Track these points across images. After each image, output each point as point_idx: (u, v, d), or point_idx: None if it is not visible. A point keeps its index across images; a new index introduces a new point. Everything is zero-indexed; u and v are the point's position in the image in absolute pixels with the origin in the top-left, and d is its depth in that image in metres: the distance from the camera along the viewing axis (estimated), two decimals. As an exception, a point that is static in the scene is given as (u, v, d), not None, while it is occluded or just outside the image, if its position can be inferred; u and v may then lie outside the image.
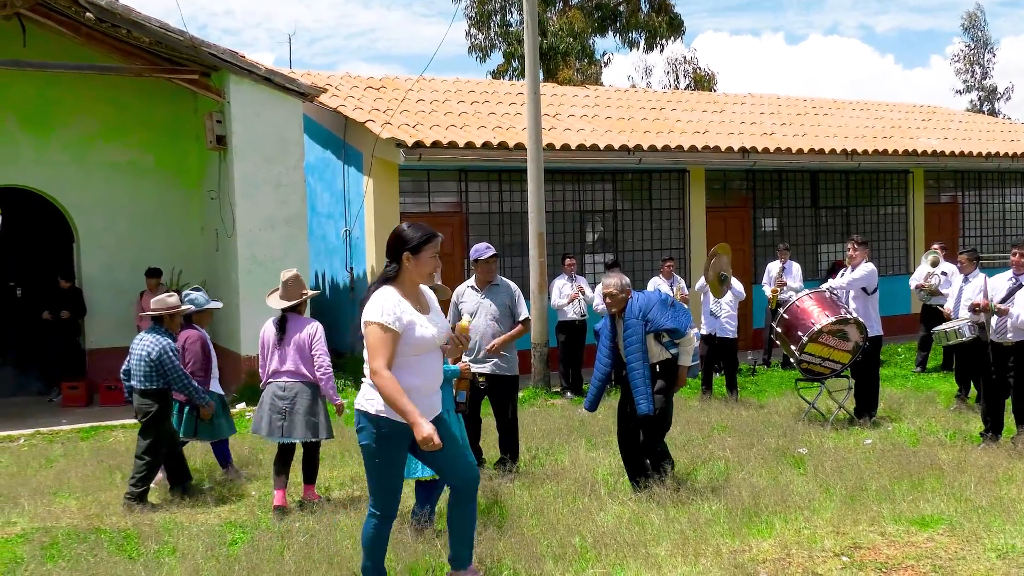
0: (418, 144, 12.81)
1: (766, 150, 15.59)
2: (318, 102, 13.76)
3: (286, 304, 7.34)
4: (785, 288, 14.13)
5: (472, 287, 8.06)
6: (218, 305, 8.86)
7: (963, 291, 10.94)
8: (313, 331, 7.27)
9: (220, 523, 6.88)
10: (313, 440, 7.28)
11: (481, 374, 7.84)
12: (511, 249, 14.50)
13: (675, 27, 26.63)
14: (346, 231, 14.42)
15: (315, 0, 74.14)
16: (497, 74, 27.25)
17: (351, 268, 14.38)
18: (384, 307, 4.81)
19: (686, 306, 13.23)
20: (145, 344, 7.59)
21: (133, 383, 7.67)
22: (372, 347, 4.78)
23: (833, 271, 15.98)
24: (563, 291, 12.74)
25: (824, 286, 10.37)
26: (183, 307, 7.94)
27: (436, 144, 12.98)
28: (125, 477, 8.29)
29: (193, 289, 8.83)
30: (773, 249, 15.24)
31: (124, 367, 7.82)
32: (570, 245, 14.91)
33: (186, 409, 8.04)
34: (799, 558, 5.50)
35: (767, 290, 14.24)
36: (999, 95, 31.37)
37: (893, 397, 11.14)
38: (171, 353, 7.51)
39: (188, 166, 13.83)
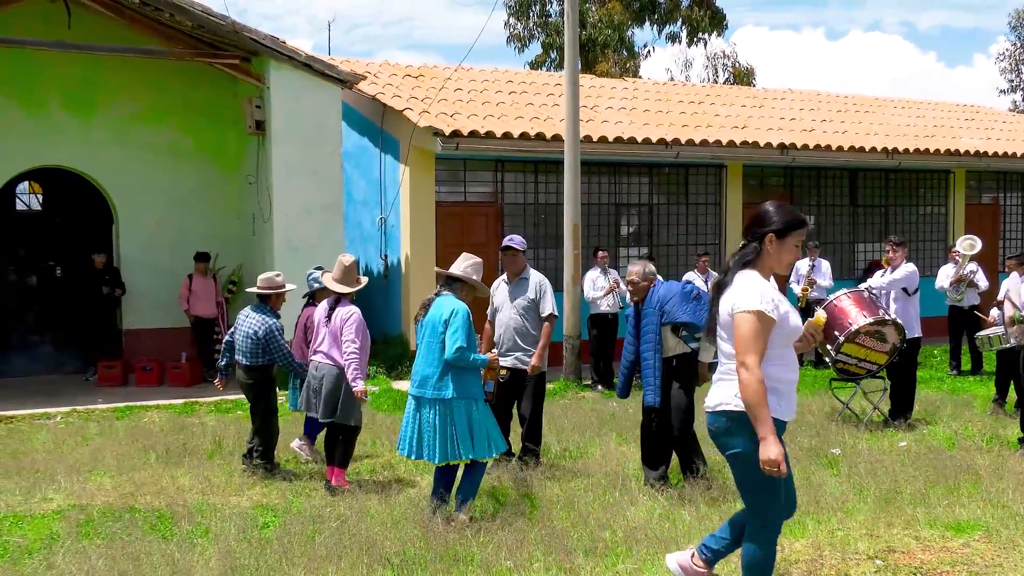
0: (455, 133, 12.80)
1: (805, 147, 15.43)
2: (356, 89, 13.78)
3: (342, 289, 7.44)
4: (815, 286, 14.04)
5: (504, 280, 8.06)
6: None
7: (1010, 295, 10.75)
8: (347, 315, 7.32)
9: (252, 506, 6.94)
10: (336, 422, 7.35)
11: (503, 367, 7.85)
12: (545, 240, 14.48)
13: (717, 21, 26.39)
14: (381, 219, 14.45)
15: (354, -13, 74.30)
16: (535, 65, 27.15)
17: (385, 256, 14.42)
18: (763, 293, 4.30)
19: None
20: (252, 322, 7.88)
21: (238, 358, 7.93)
22: (746, 339, 4.25)
23: (870, 271, 15.87)
24: (596, 284, 12.69)
25: (863, 286, 10.23)
26: (289, 286, 8.23)
27: (473, 134, 12.97)
28: (159, 457, 8.42)
29: (316, 268, 9.13)
30: (806, 246, 15.07)
31: (226, 339, 8.14)
32: (604, 238, 14.87)
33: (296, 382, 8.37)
34: (832, 560, 5.44)
35: (796, 288, 14.12)
36: (1044, 95, 30.86)
37: (928, 400, 11.01)
38: (276, 332, 7.82)
39: (227, 150, 13.92)
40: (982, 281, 13.33)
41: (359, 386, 7.23)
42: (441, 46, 77.08)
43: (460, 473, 6.44)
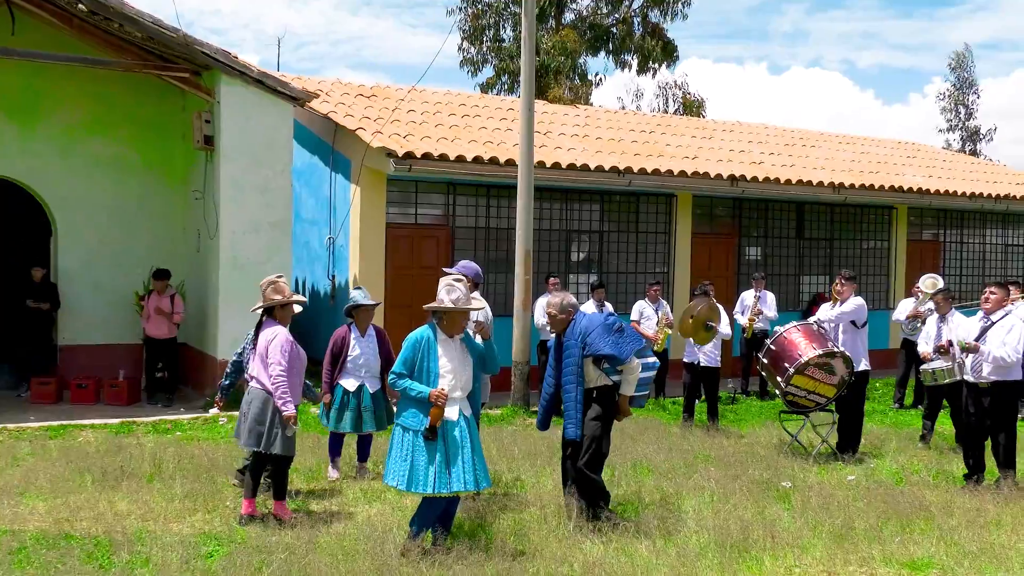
0: (408, 155, 12.69)
1: (755, 179, 15.59)
2: (308, 107, 13.60)
3: (256, 307, 7.29)
4: (760, 317, 14.17)
5: None
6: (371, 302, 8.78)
7: (941, 331, 10.95)
8: (271, 337, 7.07)
9: (194, 534, 6.69)
10: (259, 451, 7.05)
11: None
12: (496, 265, 14.39)
13: (668, 52, 26.68)
14: (330, 239, 14.25)
15: (304, 5, 73.92)
16: (486, 88, 27.19)
17: (333, 276, 14.21)
18: None
19: (669, 331, 13.37)
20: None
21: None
22: None
23: (815, 303, 16.09)
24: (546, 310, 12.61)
25: (812, 319, 10.33)
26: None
27: (427, 156, 12.86)
28: (95, 480, 8.11)
29: (355, 289, 9.12)
30: (752, 278, 15.17)
31: (233, 358, 7.99)
32: (555, 264, 14.84)
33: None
34: (790, 597, 5.41)
35: (742, 319, 14.23)
36: (981, 136, 31.69)
37: (874, 433, 11.12)
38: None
39: (173, 165, 13.62)
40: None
41: (288, 410, 6.94)
42: (390, 66, 77.04)
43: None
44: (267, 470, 7.30)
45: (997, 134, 32.68)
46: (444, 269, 7.82)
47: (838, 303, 10.22)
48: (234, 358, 8.03)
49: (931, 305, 13.34)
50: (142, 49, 12.28)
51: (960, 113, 31.82)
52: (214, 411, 11.65)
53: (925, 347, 11.03)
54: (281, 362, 6.93)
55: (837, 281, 10.21)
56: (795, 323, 10.19)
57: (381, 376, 8.55)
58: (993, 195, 18.30)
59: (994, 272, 19.38)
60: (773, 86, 66.92)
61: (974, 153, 30.09)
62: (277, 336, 7.04)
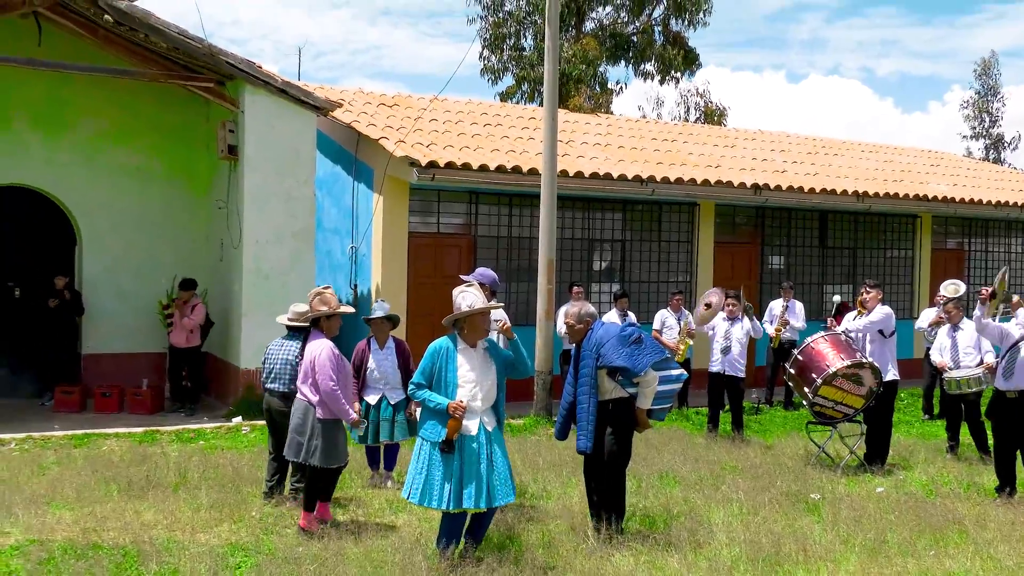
0: (432, 164, 12.68)
1: (778, 187, 15.50)
2: (331, 116, 13.62)
3: (305, 318, 7.43)
4: (788, 327, 14.06)
5: None
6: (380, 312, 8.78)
7: (957, 340, 10.81)
8: (317, 350, 7.10)
9: (221, 544, 6.67)
10: (302, 463, 7.11)
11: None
12: (518, 275, 14.36)
13: (690, 61, 26.65)
14: (352, 248, 14.25)
15: (323, 15, 74.26)
16: (506, 96, 27.20)
17: (355, 285, 14.20)
18: None
19: (691, 341, 13.29)
20: (290, 349, 7.82)
21: (276, 386, 7.82)
22: None
23: (839, 312, 15.95)
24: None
25: (840, 329, 10.22)
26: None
27: (450, 165, 12.85)
28: (121, 490, 8.11)
29: (377, 301, 9.18)
30: (780, 287, 15.10)
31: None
32: (577, 273, 14.79)
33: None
34: (824, 612, 5.33)
35: (770, 328, 14.11)
36: (1006, 144, 31.43)
37: (902, 444, 10.99)
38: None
39: (197, 174, 13.67)
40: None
41: (351, 416, 7.11)
42: (408, 76, 77.25)
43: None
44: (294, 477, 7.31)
45: (1021, 142, 32.35)
46: (461, 276, 7.81)
47: (864, 313, 10.11)
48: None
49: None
50: (166, 59, 12.33)
51: (984, 121, 31.57)
52: (237, 420, 11.69)
53: (940, 358, 10.91)
54: (332, 375, 6.97)
55: (863, 290, 10.11)
56: (823, 333, 10.09)
57: (405, 387, 8.49)
58: (1019, 203, 18.12)
59: (1019, 281, 19.20)
60: (791, 94, 66.64)
61: (998, 161, 29.89)
62: (324, 350, 7.05)
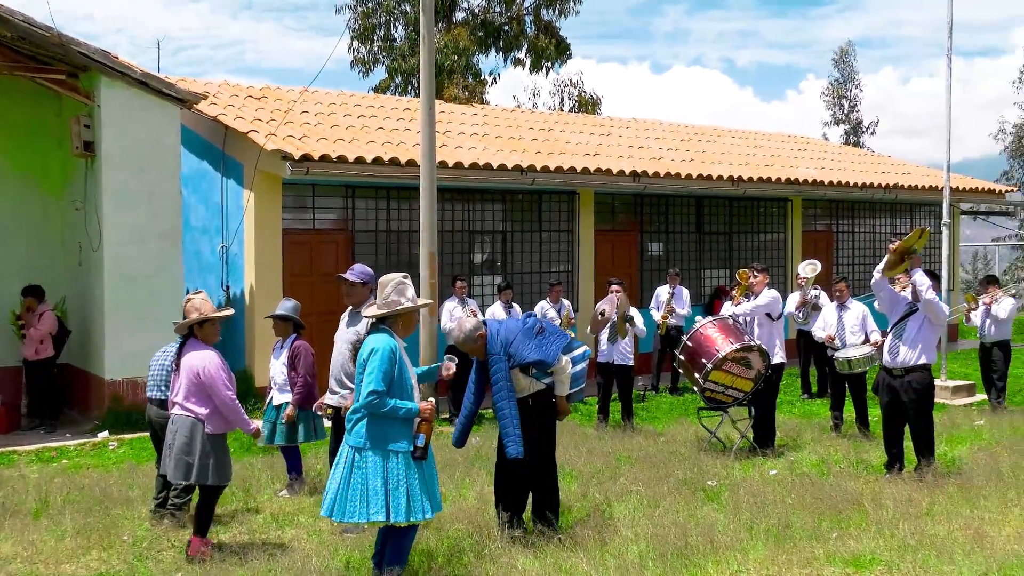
0: (306, 157, 12.14)
1: (656, 174, 15.54)
2: (195, 110, 12.90)
3: (181, 325, 6.76)
4: (674, 314, 14.11)
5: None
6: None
7: (843, 319, 11.07)
8: (203, 362, 6.53)
9: (89, 574, 6.10)
10: (190, 483, 6.60)
11: (329, 405, 7.46)
12: (398, 269, 13.79)
13: (562, 50, 26.62)
14: (223, 247, 13.57)
15: (181, 8, 71.75)
16: (379, 89, 26.63)
17: (227, 287, 13.53)
18: None
19: (572, 333, 13.15)
20: (168, 354, 7.47)
21: (155, 393, 7.52)
22: None
23: (716, 296, 16.14)
24: (454, 315, 12.29)
25: (727, 312, 10.24)
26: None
27: (325, 158, 12.34)
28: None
29: (286, 299, 8.82)
30: (660, 273, 15.19)
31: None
32: (459, 266, 14.49)
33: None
34: (738, 605, 5.18)
35: (656, 315, 14.14)
36: (864, 128, 32.63)
37: (787, 425, 11.10)
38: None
39: (49, 173, 12.73)
40: (826, 303, 13.69)
41: (252, 427, 6.71)
42: (274, 71, 75.58)
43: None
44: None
45: (879, 127, 33.77)
46: (339, 276, 7.49)
47: (750, 297, 10.13)
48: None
49: (815, 292, 13.59)
50: (12, 50, 11.41)
51: (844, 107, 32.70)
52: (104, 435, 10.93)
53: (822, 333, 11.16)
54: (228, 384, 6.51)
55: (751, 273, 10.13)
56: (711, 318, 10.08)
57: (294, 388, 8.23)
58: (883, 185, 18.72)
59: (878, 261, 19.83)
60: (656, 85, 67.97)
61: (858, 145, 30.98)
62: (212, 360, 6.52)
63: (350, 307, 7.42)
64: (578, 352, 7.01)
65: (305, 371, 8.21)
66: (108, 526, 7.09)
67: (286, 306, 8.61)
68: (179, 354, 6.66)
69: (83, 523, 7.10)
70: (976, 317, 12.44)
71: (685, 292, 14.49)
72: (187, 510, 7.16)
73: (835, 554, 5.92)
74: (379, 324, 5.80)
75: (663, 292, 14.24)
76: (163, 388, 7.40)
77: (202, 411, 6.48)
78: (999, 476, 7.90)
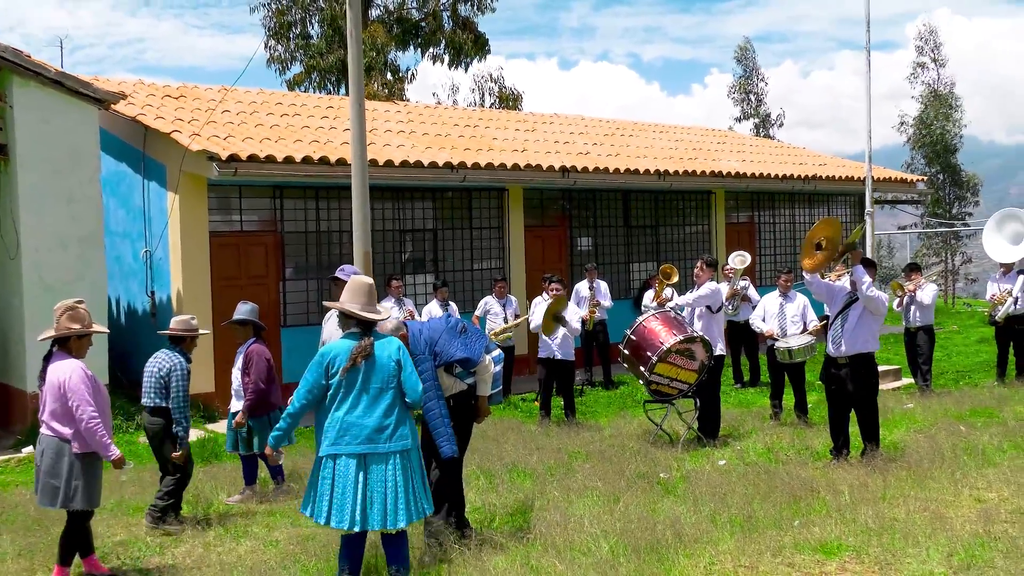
0: (233, 158, 11.81)
1: (585, 169, 15.57)
2: (113, 110, 12.45)
3: (45, 336, 6.25)
4: (600, 307, 14.19)
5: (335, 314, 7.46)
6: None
7: (785, 309, 11.28)
8: (65, 374, 6.02)
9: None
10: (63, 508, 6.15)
11: None
12: (329, 270, 13.62)
13: (480, 46, 26.49)
14: (146, 251, 13.11)
15: (77, 6, 69.48)
16: (293, 85, 26.12)
17: (152, 292, 13.07)
18: None
19: (510, 335, 13.11)
20: (159, 360, 7.42)
21: (143, 400, 7.45)
22: None
23: (644, 289, 16.27)
24: (392, 314, 12.09)
25: (669, 305, 10.30)
26: (202, 331, 7.72)
27: (253, 158, 12.02)
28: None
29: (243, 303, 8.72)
30: (584, 268, 15.13)
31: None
32: (390, 266, 14.29)
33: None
34: (717, 598, 5.17)
35: (581, 312, 14.15)
36: (772, 121, 33.26)
37: (727, 415, 11.18)
38: (180, 372, 7.34)
39: (-42, 178, 12.12)
40: (754, 295, 13.94)
41: (114, 454, 6.07)
42: (176, 70, 74.04)
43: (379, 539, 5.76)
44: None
45: (786, 118, 34.37)
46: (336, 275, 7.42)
47: (696, 287, 10.21)
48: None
49: (744, 283, 13.82)
50: (-85, 49, 10.82)
51: (751, 102, 33.27)
52: (28, 450, 10.46)
53: (763, 324, 11.33)
54: (90, 401, 5.96)
55: (697, 266, 10.21)
56: (653, 312, 10.12)
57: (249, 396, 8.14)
58: (802, 176, 19.10)
59: (796, 252, 20.24)
60: (564, 80, 68.44)
61: (768, 137, 31.57)
62: (74, 372, 6.00)
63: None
64: (495, 353, 6.96)
65: (257, 376, 8.02)
66: (50, 544, 6.70)
67: (243, 310, 8.48)
68: (44, 367, 6.19)
69: (24, 544, 6.73)
70: (902, 303, 12.78)
71: (604, 285, 14.60)
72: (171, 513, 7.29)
73: (802, 542, 5.97)
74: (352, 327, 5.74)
75: (583, 287, 14.29)
76: (152, 395, 7.35)
77: (66, 431, 6.00)
78: (943, 458, 8.10)
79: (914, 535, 5.93)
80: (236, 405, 8.17)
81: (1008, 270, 12.92)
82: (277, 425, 5.80)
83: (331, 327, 7.60)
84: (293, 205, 13.47)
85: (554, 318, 10.99)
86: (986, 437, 8.90)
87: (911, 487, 7.21)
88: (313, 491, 5.54)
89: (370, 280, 6.01)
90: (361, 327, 5.67)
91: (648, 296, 13.44)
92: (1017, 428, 9.33)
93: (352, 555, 5.57)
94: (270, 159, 12.22)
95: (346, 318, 5.74)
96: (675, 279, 11.62)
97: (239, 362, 8.27)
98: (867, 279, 8.31)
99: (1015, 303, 12.64)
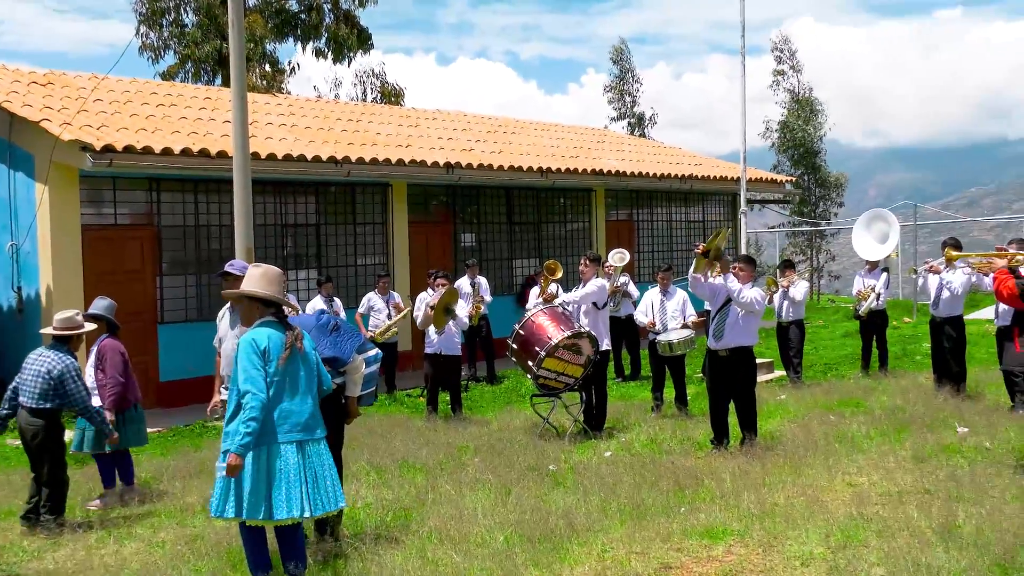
0: (108, 148, 11.40)
1: (469, 165, 15.64)
2: (-25, 96, 11.85)
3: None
4: (484, 303, 14.32)
5: (228, 308, 7.33)
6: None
7: (665, 304, 11.63)
8: None
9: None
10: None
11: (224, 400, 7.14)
12: (208, 266, 13.35)
13: (363, 40, 26.20)
14: (12, 245, 12.53)
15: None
16: (168, 75, 25.30)
17: (19, 288, 12.50)
18: None
19: (395, 331, 13.07)
20: (46, 360, 7.16)
21: (23, 400, 7.16)
22: None
23: (527, 285, 16.46)
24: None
25: (557, 300, 10.46)
26: (88, 326, 7.54)
27: (129, 149, 11.63)
28: None
29: (101, 298, 8.44)
30: (465, 265, 15.20)
31: (12, 387, 7.29)
32: (271, 261, 14.00)
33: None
34: (614, 585, 5.31)
35: (468, 307, 14.22)
36: (647, 121, 33.99)
37: (609, 408, 11.38)
38: (74, 372, 7.18)
39: None
40: (634, 291, 14.29)
41: None
42: (37, 55, 70.70)
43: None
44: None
45: (659, 118, 35.12)
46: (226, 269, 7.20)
47: (581, 284, 10.40)
48: (13, 386, 7.29)
49: (624, 280, 14.18)
50: None
51: (626, 102, 33.95)
52: None
53: (645, 319, 11.67)
54: None
55: (582, 262, 10.40)
56: (541, 307, 10.25)
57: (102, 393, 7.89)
58: (679, 175, 19.63)
59: (680, 247, 20.85)
60: (442, 76, 68.48)
61: (643, 137, 32.29)
62: None
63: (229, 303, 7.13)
64: (371, 353, 6.88)
65: (114, 371, 7.80)
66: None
67: (99, 305, 8.26)
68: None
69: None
70: (775, 299, 13.29)
71: (485, 282, 14.75)
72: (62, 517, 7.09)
73: (690, 527, 6.18)
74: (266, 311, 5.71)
75: (464, 284, 14.36)
76: (35, 396, 7.09)
77: None
78: (816, 446, 8.48)
79: (794, 518, 6.21)
80: (95, 402, 7.80)
81: (874, 267, 13.57)
82: (246, 430, 5.23)
83: (226, 325, 7.42)
84: (171, 198, 13.10)
85: (445, 311, 11.01)
86: (855, 426, 9.35)
87: (789, 474, 7.53)
88: (238, 488, 5.30)
89: (279, 269, 5.93)
90: (277, 316, 5.59)
91: (534, 293, 13.60)
92: (882, 417, 9.83)
93: (264, 550, 5.51)
94: (147, 150, 11.85)
95: (262, 307, 5.61)
96: (559, 275, 11.82)
97: (92, 359, 8.00)
98: (737, 286, 8.64)
99: (877, 299, 13.31)
